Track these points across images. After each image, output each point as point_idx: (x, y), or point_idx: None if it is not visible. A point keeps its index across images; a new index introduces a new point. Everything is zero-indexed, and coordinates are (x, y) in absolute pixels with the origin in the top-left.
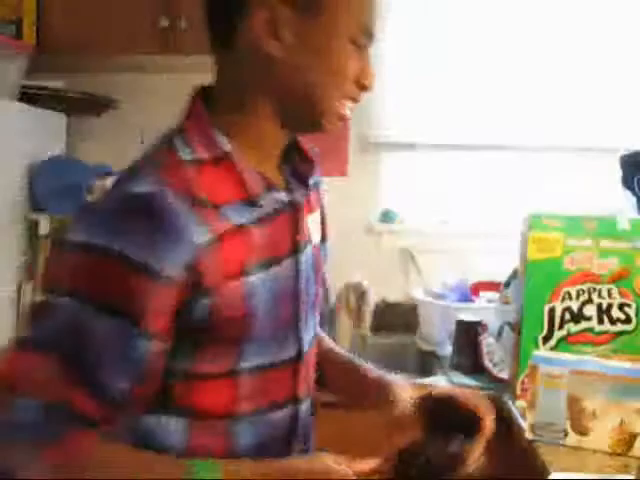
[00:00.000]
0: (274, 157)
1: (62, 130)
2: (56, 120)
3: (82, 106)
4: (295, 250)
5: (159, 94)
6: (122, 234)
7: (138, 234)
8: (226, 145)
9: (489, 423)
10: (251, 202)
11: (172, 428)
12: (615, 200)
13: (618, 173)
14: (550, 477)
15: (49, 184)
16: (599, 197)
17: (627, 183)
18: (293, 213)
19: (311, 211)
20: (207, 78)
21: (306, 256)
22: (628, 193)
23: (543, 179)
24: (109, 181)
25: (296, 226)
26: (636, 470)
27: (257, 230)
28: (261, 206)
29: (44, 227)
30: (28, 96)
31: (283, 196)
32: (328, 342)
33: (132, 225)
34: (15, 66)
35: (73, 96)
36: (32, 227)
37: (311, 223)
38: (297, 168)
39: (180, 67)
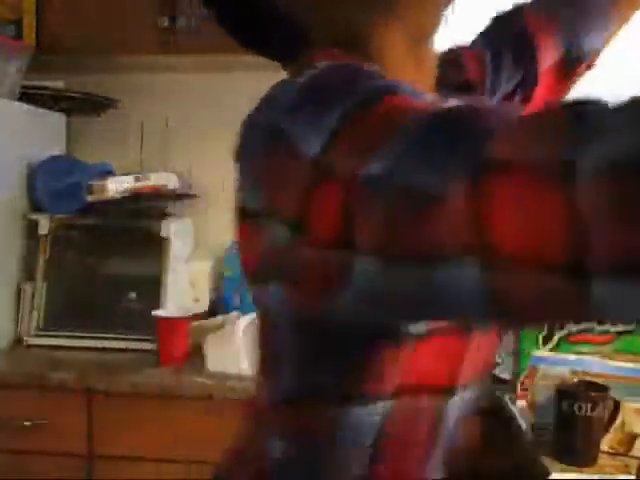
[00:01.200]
0: (429, 76)
1: (62, 130)
2: (56, 120)
3: (82, 106)
4: None
5: (159, 94)
6: None
7: None
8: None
9: None
10: None
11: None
12: None
13: None
14: (550, 477)
15: (49, 184)
16: None
17: None
18: None
19: None
20: (207, 78)
21: None
22: None
23: None
24: (109, 181)
25: None
26: (636, 470)
27: None
28: None
29: (44, 227)
30: (28, 96)
31: None
32: None
33: None
34: (15, 66)
35: (73, 96)
36: (32, 227)
37: None
38: (446, 81)
39: (180, 67)
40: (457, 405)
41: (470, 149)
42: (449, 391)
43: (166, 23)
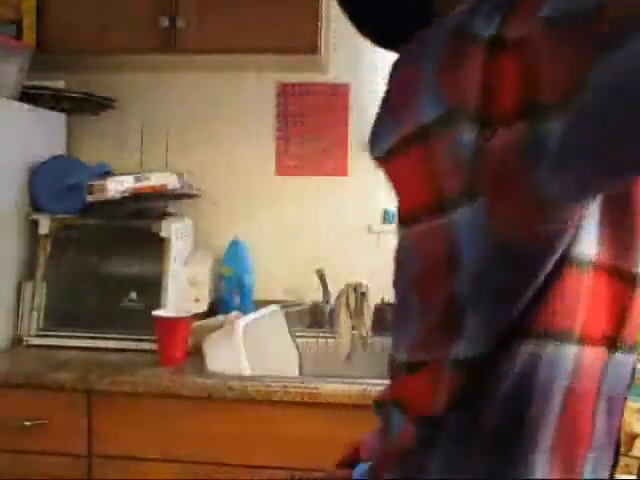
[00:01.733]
0: None
1: (62, 130)
2: (56, 120)
3: (82, 106)
4: None
5: (159, 94)
6: None
7: None
8: None
9: None
10: None
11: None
12: None
13: None
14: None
15: (49, 184)
16: None
17: None
18: None
19: None
20: (207, 77)
21: None
22: None
23: None
24: (109, 181)
25: None
26: (636, 470)
27: None
28: None
29: (44, 227)
30: (28, 96)
31: None
32: None
33: None
34: (15, 66)
35: (73, 96)
36: (32, 227)
37: None
38: None
39: (180, 66)
40: (623, 366)
41: None
42: (613, 345)
43: (166, 23)
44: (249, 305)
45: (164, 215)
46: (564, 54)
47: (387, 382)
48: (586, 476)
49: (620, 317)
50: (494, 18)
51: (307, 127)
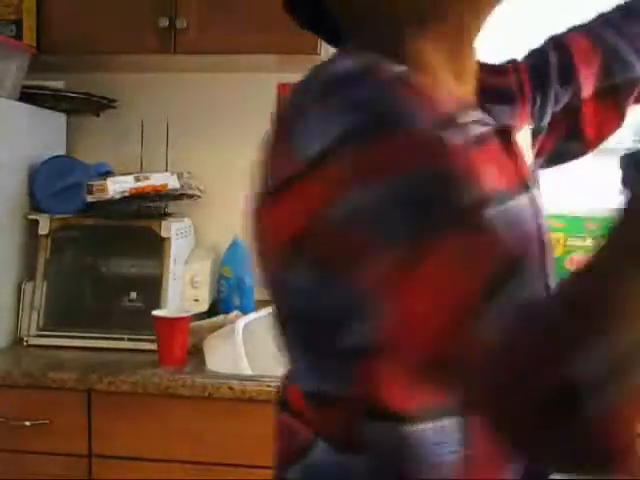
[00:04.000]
0: (469, 81)
1: (62, 130)
2: (56, 120)
3: (82, 106)
4: (525, 184)
5: (159, 94)
6: None
7: None
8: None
9: None
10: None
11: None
12: (615, 200)
13: (618, 173)
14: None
15: (49, 184)
16: (600, 197)
17: (627, 183)
18: (505, 140)
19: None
20: (207, 77)
21: (538, 194)
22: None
23: (544, 179)
24: (109, 181)
25: (515, 155)
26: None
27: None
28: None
29: (44, 227)
30: (28, 96)
31: (488, 119)
32: None
33: None
34: (15, 66)
35: (73, 96)
36: (32, 227)
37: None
38: (488, 86)
39: (180, 67)
40: None
41: None
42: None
43: (166, 24)
44: (249, 305)
45: (164, 215)
46: None
47: None
48: None
49: None
50: (324, 137)
51: None
